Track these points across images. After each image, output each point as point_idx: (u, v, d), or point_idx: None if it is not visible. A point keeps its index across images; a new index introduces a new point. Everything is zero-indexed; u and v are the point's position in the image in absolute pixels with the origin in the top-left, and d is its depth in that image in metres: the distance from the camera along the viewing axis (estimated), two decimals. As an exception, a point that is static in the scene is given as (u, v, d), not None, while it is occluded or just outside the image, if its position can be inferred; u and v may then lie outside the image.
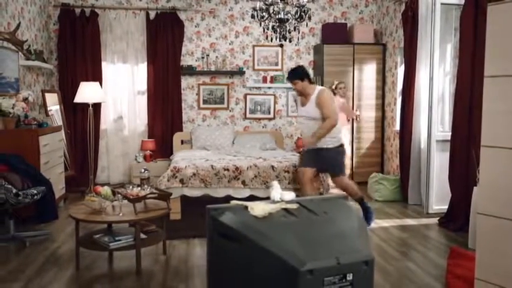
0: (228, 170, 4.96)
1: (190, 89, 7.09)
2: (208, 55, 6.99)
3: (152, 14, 6.79)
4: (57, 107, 6.31)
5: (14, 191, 3.97)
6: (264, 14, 4.79)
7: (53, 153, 5.15)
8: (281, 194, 2.38)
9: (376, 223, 4.88)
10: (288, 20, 4.85)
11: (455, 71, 5.03)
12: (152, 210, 3.65)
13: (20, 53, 5.19)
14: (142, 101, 6.94)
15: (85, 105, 6.35)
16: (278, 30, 4.90)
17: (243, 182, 4.95)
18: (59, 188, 5.27)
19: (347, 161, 6.87)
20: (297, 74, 4.65)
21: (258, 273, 2.02)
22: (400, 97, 6.04)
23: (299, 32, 5.06)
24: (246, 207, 2.25)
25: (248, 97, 7.20)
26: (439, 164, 5.11)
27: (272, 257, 1.95)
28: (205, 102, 7.13)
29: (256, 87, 7.21)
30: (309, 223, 2.17)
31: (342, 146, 4.75)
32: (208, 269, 2.33)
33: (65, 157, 5.97)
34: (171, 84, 6.83)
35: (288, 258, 1.91)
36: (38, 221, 4.67)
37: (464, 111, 4.58)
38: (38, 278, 3.42)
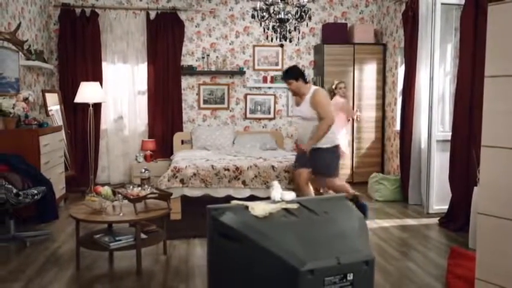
0: (228, 170, 4.96)
1: (190, 89, 7.09)
2: (208, 55, 6.99)
3: (152, 14, 6.79)
4: (58, 107, 6.31)
5: (15, 191, 3.97)
6: (264, 14, 4.79)
7: (53, 153, 5.16)
8: (281, 194, 2.38)
9: (377, 223, 4.88)
10: (288, 20, 4.85)
11: (455, 71, 5.03)
12: (152, 210, 3.65)
13: (20, 53, 5.19)
14: (143, 101, 6.94)
15: (85, 105, 6.35)
16: (278, 30, 4.90)
17: (244, 182, 4.95)
18: (59, 188, 5.27)
19: (347, 161, 6.90)
20: (292, 74, 4.63)
21: (258, 273, 2.02)
22: (401, 97, 6.04)
23: (299, 32, 5.06)
24: (247, 207, 2.25)
25: (248, 97, 7.20)
26: (440, 164, 5.11)
27: (272, 257, 1.95)
28: (205, 102, 7.13)
29: (256, 87, 7.21)
30: (309, 223, 2.17)
31: (337, 147, 4.69)
32: (209, 269, 2.33)
33: (65, 157, 5.97)
34: (172, 84, 6.83)
35: (288, 258, 1.92)
36: (39, 221, 4.67)
37: (464, 111, 4.58)
38: (39, 278, 3.42)
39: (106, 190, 3.68)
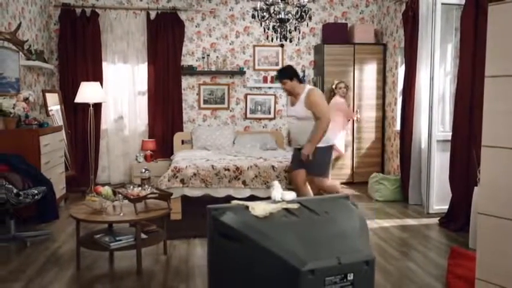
0: (228, 170, 4.96)
1: (190, 89, 7.09)
2: (208, 55, 6.99)
3: (153, 14, 6.79)
4: (58, 107, 6.31)
5: (15, 191, 3.97)
6: (264, 14, 4.79)
7: (53, 153, 5.16)
8: (282, 194, 2.39)
9: (377, 223, 4.88)
10: (288, 20, 4.85)
11: (455, 71, 5.03)
12: (153, 210, 3.65)
13: (20, 53, 5.19)
14: (143, 101, 6.94)
15: (86, 105, 6.35)
16: (279, 30, 4.90)
17: (244, 182, 4.95)
18: (59, 188, 5.27)
19: (347, 161, 6.90)
20: (286, 74, 4.59)
21: (259, 273, 2.02)
22: (401, 97, 6.04)
23: (300, 32, 5.06)
24: (247, 207, 2.26)
25: (248, 97, 7.20)
26: (440, 164, 5.11)
27: (273, 257, 1.95)
28: (205, 102, 7.13)
29: (256, 87, 7.21)
30: (310, 223, 2.17)
31: (331, 146, 4.64)
32: (209, 269, 2.34)
33: (66, 157, 5.97)
34: (172, 84, 6.83)
35: (289, 258, 1.92)
36: (39, 221, 4.67)
37: (464, 111, 4.58)
38: (39, 278, 3.42)
39: (106, 190, 3.68)
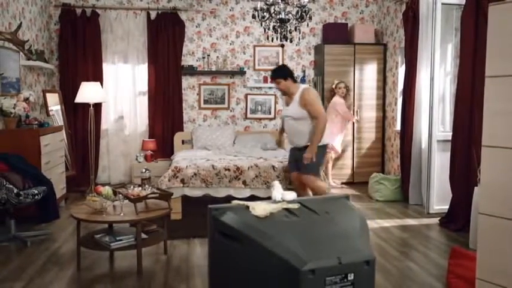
0: (228, 170, 4.96)
1: (191, 89, 7.09)
2: (209, 55, 7.00)
3: (153, 14, 6.79)
4: (58, 107, 6.31)
5: (15, 190, 3.97)
6: (264, 14, 4.79)
7: (54, 153, 5.16)
8: (282, 194, 2.39)
9: (377, 223, 4.88)
10: (288, 20, 4.85)
11: (456, 71, 5.03)
12: (153, 210, 3.66)
13: (21, 53, 5.19)
14: (143, 101, 6.94)
15: (86, 105, 6.35)
16: (279, 30, 4.91)
17: (244, 182, 4.95)
18: (60, 187, 5.27)
19: (348, 162, 6.90)
20: (280, 73, 4.54)
21: (259, 273, 2.02)
22: (401, 97, 6.04)
23: (300, 32, 5.06)
24: (248, 207, 2.26)
25: (249, 97, 7.20)
26: (440, 164, 5.11)
27: (274, 257, 1.95)
28: (206, 102, 7.13)
29: (257, 87, 7.21)
30: (310, 223, 2.17)
31: (325, 146, 4.58)
32: (209, 269, 2.34)
33: (66, 157, 5.97)
34: (172, 84, 6.84)
35: (289, 258, 1.92)
36: (39, 220, 4.67)
37: (465, 111, 4.58)
38: (39, 278, 3.42)
39: (107, 190, 3.68)
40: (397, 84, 6.54)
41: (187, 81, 7.05)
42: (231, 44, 7.10)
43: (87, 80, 6.43)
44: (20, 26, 4.79)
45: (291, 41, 5.08)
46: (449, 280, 3.23)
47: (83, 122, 6.55)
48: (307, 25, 5.28)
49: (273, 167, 5.00)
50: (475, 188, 4.13)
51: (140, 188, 3.81)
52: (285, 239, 2.00)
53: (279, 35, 4.92)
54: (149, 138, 6.88)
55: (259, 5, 4.79)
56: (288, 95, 4.59)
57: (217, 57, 7.04)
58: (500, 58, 2.38)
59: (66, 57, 6.56)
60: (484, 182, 2.48)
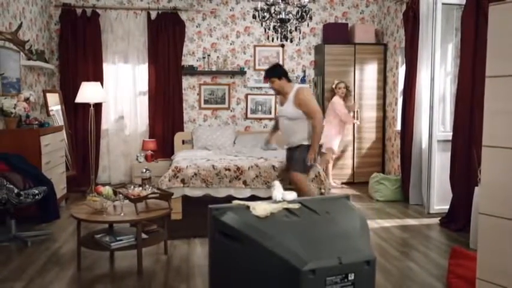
0: (229, 170, 4.96)
1: (191, 89, 7.09)
2: (209, 55, 7.00)
3: (153, 14, 6.80)
4: (59, 107, 6.32)
5: (16, 190, 3.97)
6: (265, 14, 4.80)
7: (54, 153, 5.16)
8: (283, 194, 2.39)
9: (378, 223, 4.88)
10: (289, 20, 4.85)
11: (456, 71, 5.03)
12: (153, 210, 3.66)
13: (21, 53, 5.19)
14: (144, 101, 6.94)
15: (86, 105, 6.35)
16: (279, 30, 4.91)
17: (244, 182, 4.95)
18: (60, 187, 5.28)
19: (348, 162, 6.90)
20: (274, 72, 4.53)
21: (259, 273, 2.02)
22: (401, 97, 6.04)
23: (300, 32, 5.06)
24: (248, 207, 2.26)
25: (249, 97, 7.20)
26: (440, 164, 5.11)
27: (274, 257, 1.95)
28: (206, 102, 7.13)
29: (257, 87, 7.21)
30: (311, 223, 2.17)
31: (319, 146, 4.53)
32: (210, 268, 2.34)
33: (66, 157, 5.97)
34: (172, 84, 6.84)
35: (289, 258, 1.92)
36: (40, 220, 4.68)
37: (465, 111, 4.58)
38: (40, 278, 3.42)
39: (107, 190, 3.68)
40: (397, 84, 6.54)
41: (187, 81, 7.05)
42: (231, 44, 7.11)
43: (88, 80, 6.43)
44: (20, 26, 4.79)
45: (291, 41, 5.08)
46: (449, 280, 3.23)
47: (83, 122, 6.56)
48: (308, 25, 5.28)
49: (274, 167, 5.00)
50: (476, 188, 4.13)
51: (140, 188, 3.81)
52: (286, 239, 2.00)
53: (279, 35, 4.92)
54: (149, 138, 6.89)
55: (260, 5, 4.79)
56: (282, 94, 4.58)
57: (218, 57, 7.04)
58: (500, 58, 2.38)
59: (67, 57, 6.56)
60: (485, 182, 2.48)
